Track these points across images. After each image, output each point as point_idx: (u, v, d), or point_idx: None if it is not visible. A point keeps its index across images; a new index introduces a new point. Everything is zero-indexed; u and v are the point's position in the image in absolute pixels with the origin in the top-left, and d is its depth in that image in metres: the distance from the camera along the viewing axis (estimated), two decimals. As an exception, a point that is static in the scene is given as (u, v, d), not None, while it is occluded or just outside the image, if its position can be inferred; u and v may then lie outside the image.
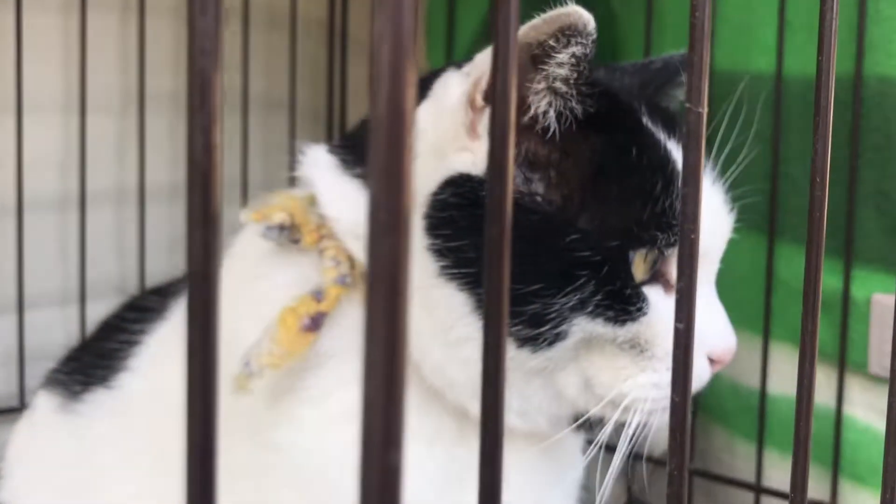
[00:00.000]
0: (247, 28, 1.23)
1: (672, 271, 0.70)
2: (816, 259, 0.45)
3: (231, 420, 0.72)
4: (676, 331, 0.38)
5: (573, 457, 0.82)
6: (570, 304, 0.65)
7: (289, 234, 0.73)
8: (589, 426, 0.73)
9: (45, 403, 0.86)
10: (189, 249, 0.25)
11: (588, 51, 0.65)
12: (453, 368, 0.69)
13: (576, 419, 0.74)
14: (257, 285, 0.76)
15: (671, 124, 0.75)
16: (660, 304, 0.69)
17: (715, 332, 0.72)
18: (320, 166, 0.74)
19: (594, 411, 0.71)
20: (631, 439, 0.71)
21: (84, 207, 1.15)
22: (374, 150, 0.24)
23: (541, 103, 0.67)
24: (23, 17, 1.08)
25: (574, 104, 0.67)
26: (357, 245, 0.71)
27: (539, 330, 0.66)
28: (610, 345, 0.68)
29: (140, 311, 0.87)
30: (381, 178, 0.23)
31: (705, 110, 0.38)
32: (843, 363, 0.95)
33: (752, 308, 1.03)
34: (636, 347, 0.69)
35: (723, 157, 0.81)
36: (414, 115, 0.24)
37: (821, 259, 0.46)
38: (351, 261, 0.72)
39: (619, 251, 0.66)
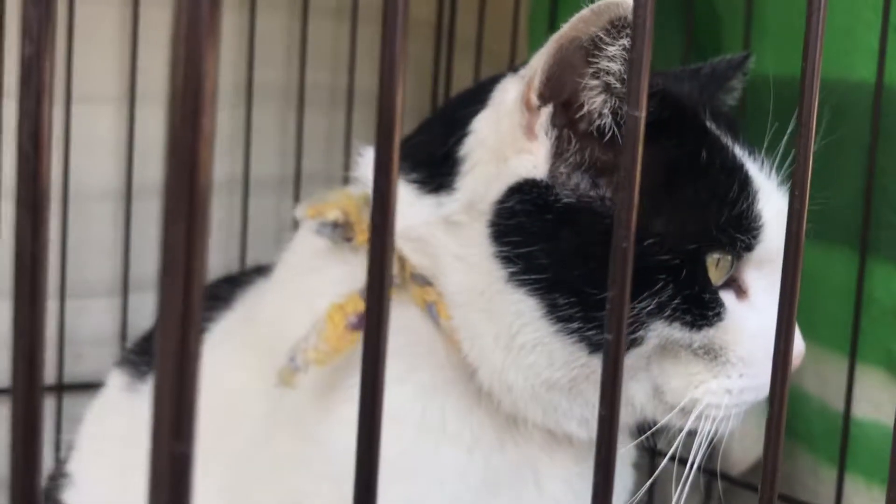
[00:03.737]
0: (355, 27, 1.25)
1: (745, 277, 0.69)
2: (793, 275, 0.42)
3: (278, 413, 0.74)
4: (606, 342, 0.37)
5: (620, 469, 0.80)
6: (648, 308, 0.65)
7: (342, 231, 0.75)
8: (650, 434, 0.72)
9: (115, 381, 0.89)
10: (16, 234, 0.26)
11: None
12: (513, 374, 0.69)
13: (638, 428, 0.73)
14: (307, 280, 0.77)
15: (734, 129, 0.73)
16: (734, 309, 0.68)
17: None
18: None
19: (664, 420, 0.70)
20: (704, 448, 0.70)
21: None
22: (170, 135, 0.24)
23: (595, 101, 0.66)
24: (140, 10, 1.14)
25: None
26: (410, 247, 0.72)
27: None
28: (685, 351, 0.68)
29: (209, 298, 0.90)
30: (173, 163, 0.24)
31: (643, 114, 0.37)
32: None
33: (843, 328, 0.98)
34: (710, 353, 0.68)
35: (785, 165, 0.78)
36: (213, 99, 0.24)
37: (798, 274, 0.43)
38: (401, 262, 0.72)
39: (696, 255, 0.65)
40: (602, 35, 0.63)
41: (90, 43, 1.13)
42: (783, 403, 0.43)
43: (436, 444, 0.71)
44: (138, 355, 0.90)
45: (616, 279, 0.37)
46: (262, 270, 0.90)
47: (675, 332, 0.66)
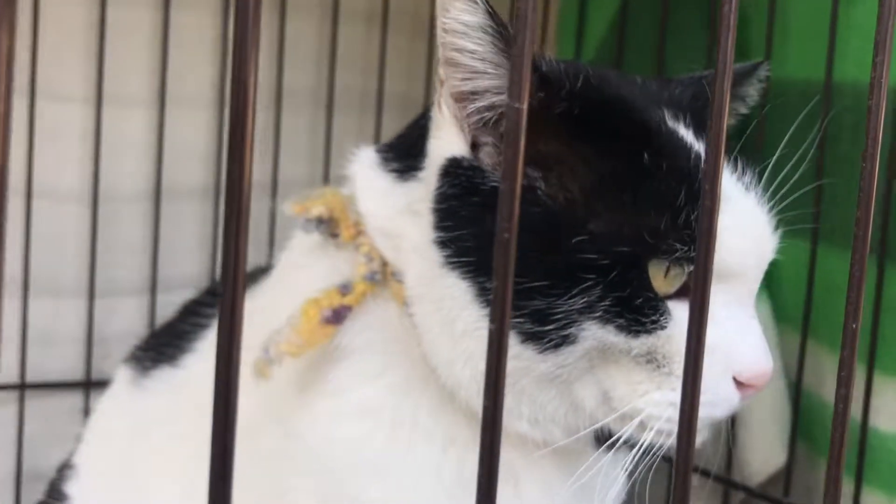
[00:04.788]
0: (385, 31, 1.26)
1: None
2: (703, 288, 0.41)
3: (263, 406, 0.75)
4: (490, 332, 0.37)
5: (606, 476, 0.78)
6: (577, 306, 0.63)
7: (328, 228, 0.75)
8: (609, 443, 0.69)
9: (122, 376, 0.91)
10: None
11: (479, 20, 0.62)
12: (460, 366, 0.68)
13: (601, 435, 0.71)
14: (296, 276, 0.78)
15: None
16: (685, 320, 0.65)
17: (744, 353, 0.67)
18: (363, 164, 0.75)
19: (604, 422, 0.68)
20: (639, 457, 0.68)
21: (218, 197, 1.21)
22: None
23: (469, 81, 0.65)
24: (171, 14, 1.16)
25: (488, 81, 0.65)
26: (386, 243, 0.72)
27: (543, 328, 0.64)
28: (625, 357, 0.65)
29: (216, 296, 0.91)
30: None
31: (525, 106, 0.37)
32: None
33: (864, 337, 0.95)
34: (653, 362, 0.65)
35: (780, 172, 0.76)
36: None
37: (708, 287, 0.42)
38: (383, 258, 0.72)
39: (630, 258, 0.63)
40: (445, 3, 0.62)
41: (121, 46, 1.16)
42: (694, 407, 0.41)
43: (409, 442, 0.71)
44: (144, 351, 0.91)
45: (499, 271, 0.36)
46: (267, 270, 0.91)
47: (609, 335, 0.64)
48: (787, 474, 1.00)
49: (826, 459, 1.00)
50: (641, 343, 0.64)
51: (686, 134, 0.68)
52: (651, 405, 0.66)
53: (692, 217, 0.63)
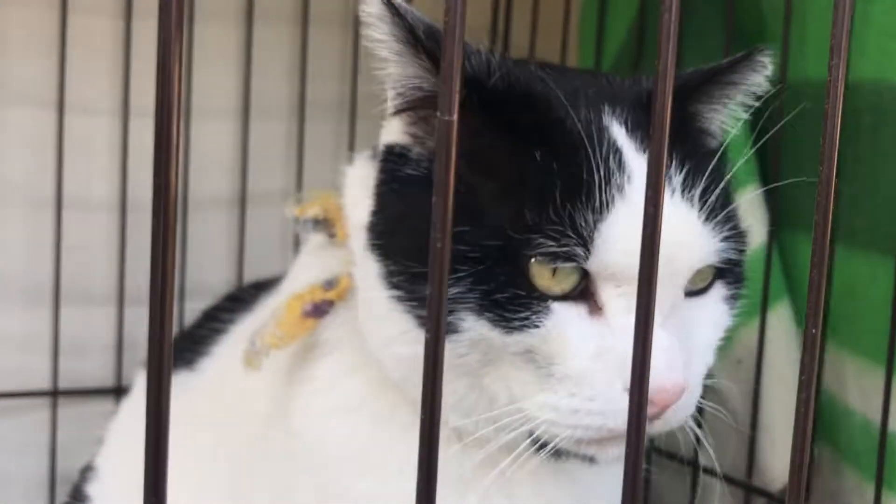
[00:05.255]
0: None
1: (601, 294, 0.63)
2: (647, 294, 0.41)
3: (276, 408, 0.77)
4: (426, 341, 0.37)
5: (597, 476, 0.77)
6: (451, 295, 0.62)
7: (324, 228, 0.77)
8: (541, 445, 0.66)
9: (141, 381, 0.93)
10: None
11: (377, 10, 0.63)
12: (382, 349, 0.68)
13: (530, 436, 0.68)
14: (299, 273, 0.80)
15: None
16: (572, 323, 0.62)
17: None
18: (356, 164, 0.76)
19: (487, 416, 0.66)
20: (521, 454, 0.66)
21: (244, 206, 1.23)
22: None
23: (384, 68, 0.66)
24: (194, 29, 1.19)
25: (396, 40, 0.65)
26: (360, 237, 0.70)
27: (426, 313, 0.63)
28: (509, 354, 0.64)
29: (235, 301, 0.93)
30: None
31: (455, 118, 0.37)
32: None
33: (881, 340, 0.94)
34: (533, 363, 0.63)
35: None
36: None
37: (653, 292, 0.42)
38: None
39: (498, 253, 0.61)
40: None
41: (146, 59, 1.18)
42: (641, 409, 0.41)
43: (391, 436, 0.71)
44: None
45: (434, 279, 0.37)
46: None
47: (484, 328, 0.62)
48: (807, 479, 0.99)
49: (849, 464, 1.00)
50: (516, 340, 0.62)
51: (617, 132, 0.65)
52: (534, 407, 0.64)
53: (565, 213, 0.61)
